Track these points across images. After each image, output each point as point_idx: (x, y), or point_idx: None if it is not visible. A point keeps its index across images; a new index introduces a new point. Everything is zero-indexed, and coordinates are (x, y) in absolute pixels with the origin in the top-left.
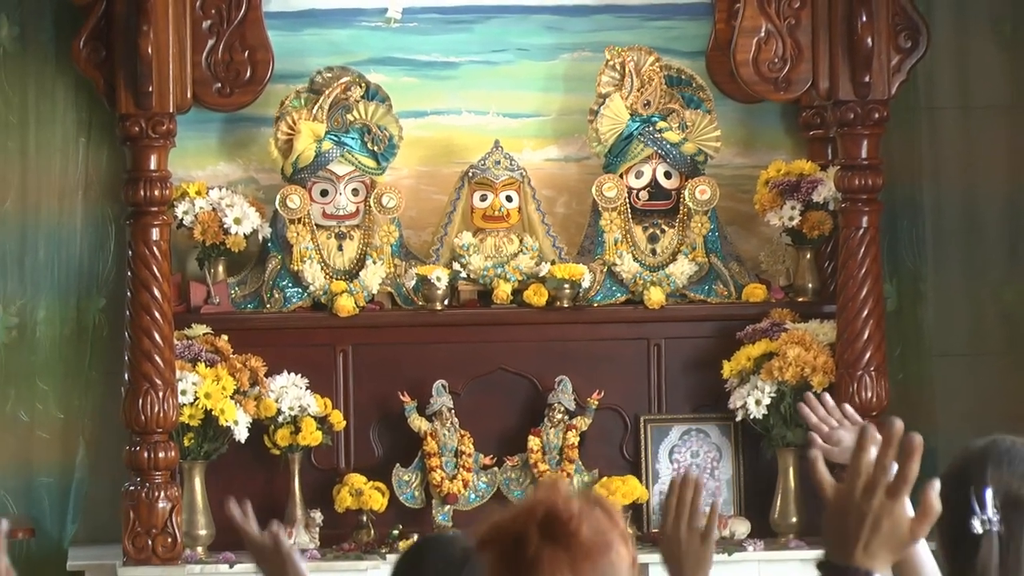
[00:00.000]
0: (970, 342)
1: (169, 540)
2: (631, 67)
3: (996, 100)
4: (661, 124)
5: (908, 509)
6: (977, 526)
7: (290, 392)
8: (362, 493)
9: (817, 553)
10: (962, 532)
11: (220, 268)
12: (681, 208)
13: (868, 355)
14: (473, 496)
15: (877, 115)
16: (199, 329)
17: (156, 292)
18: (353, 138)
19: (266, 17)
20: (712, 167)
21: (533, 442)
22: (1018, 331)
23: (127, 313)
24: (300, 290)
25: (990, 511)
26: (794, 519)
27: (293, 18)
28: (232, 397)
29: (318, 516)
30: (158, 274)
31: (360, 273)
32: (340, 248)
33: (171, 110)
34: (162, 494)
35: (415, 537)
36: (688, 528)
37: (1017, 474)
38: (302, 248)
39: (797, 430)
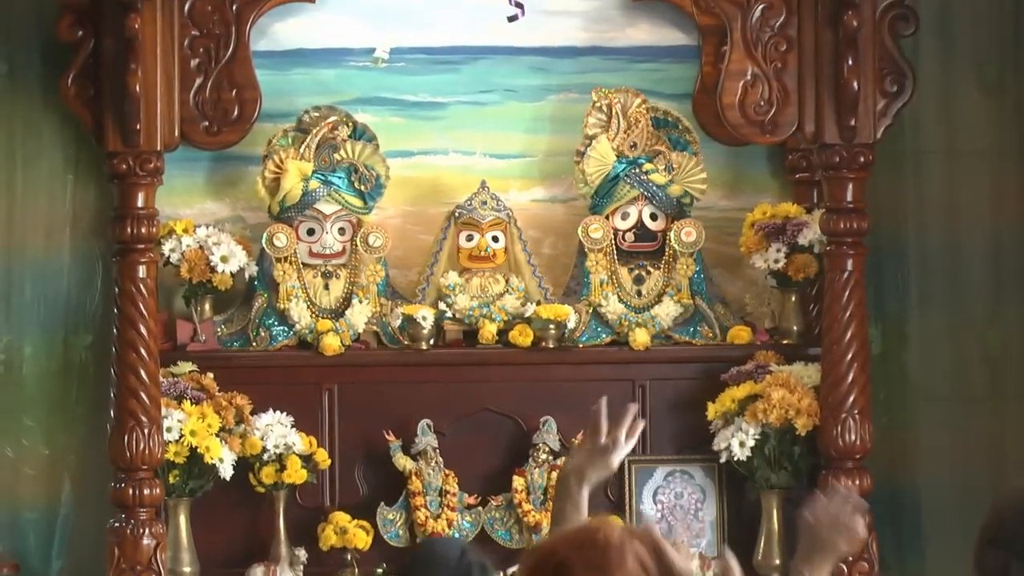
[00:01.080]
0: (954, 386)
1: None
2: (618, 109)
3: (981, 145)
4: (647, 166)
5: None
6: None
7: (275, 430)
8: (347, 531)
9: None
10: None
11: (207, 306)
12: (667, 250)
13: (852, 398)
14: (457, 535)
15: (863, 159)
16: (185, 367)
17: (143, 329)
18: (340, 177)
19: (254, 56)
20: (698, 209)
21: (518, 482)
22: (1001, 375)
23: (113, 350)
24: (286, 328)
25: None
26: (778, 561)
27: (281, 57)
28: (218, 435)
29: (303, 554)
30: (144, 311)
31: (346, 312)
32: (326, 287)
33: (159, 148)
34: (147, 531)
35: None
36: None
37: None
38: (288, 287)
39: (782, 472)
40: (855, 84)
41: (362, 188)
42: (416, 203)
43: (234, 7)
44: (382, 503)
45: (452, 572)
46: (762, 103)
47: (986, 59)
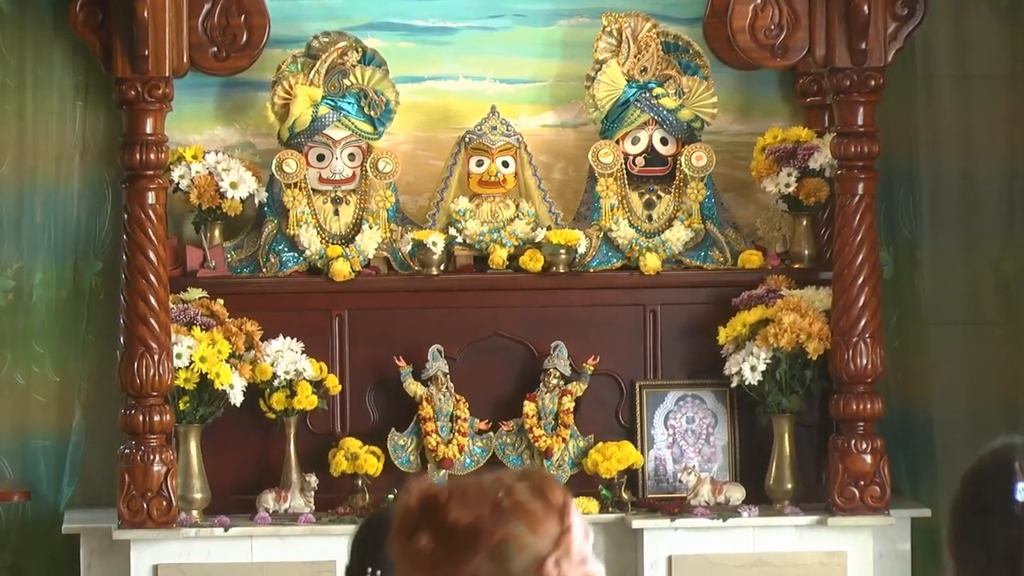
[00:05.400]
0: (966, 311)
1: (164, 503)
2: (628, 33)
3: (993, 69)
4: (658, 90)
5: None
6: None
7: (286, 356)
8: (357, 457)
9: (812, 519)
10: (995, 539)
11: (216, 232)
12: (677, 174)
13: (864, 322)
14: (468, 461)
15: (873, 83)
16: (195, 293)
17: (152, 256)
18: (350, 103)
19: None
20: (709, 134)
21: (529, 407)
22: (1015, 301)
23: (123, 276)
24: (296, 255)
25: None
26: (789, 485)
27: None
28: (228, 361)
29: (313, 480)
30: (154, 238)
31: (356, 238)
32: (336, 213)
33: (167, 74)
34: (157, 457)
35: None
36: None
37: None
38: (298, 212)
39: (793, 397)
40: (866, 8)
41: (372, 113)
42: (426, 128)
43: None
44: (393, 429)
45: None
46: (772, 27)
47: None
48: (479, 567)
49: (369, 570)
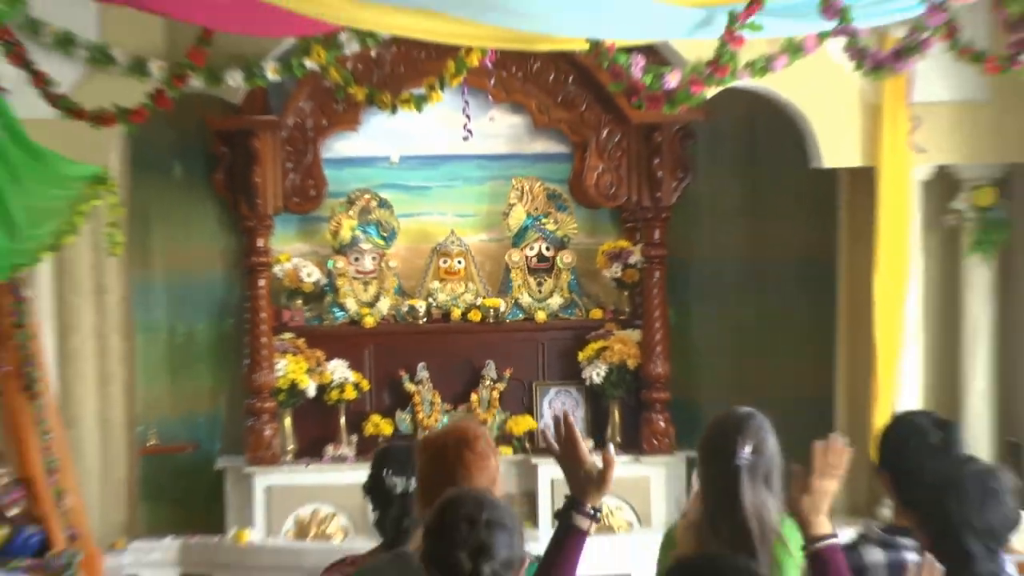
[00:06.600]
0: (716, 342)
1: (271, 453)
2: (527, 188)
3: (730, 207)
4: (544, 220)
5: (596, 463)
6: (738, 461)
7: (338, 370)
8: (379, 425)
9: (631, 458)
10: (726, 474)
11: (298, 301)
12: (555, 267)
13: (658, 349)
14: (439, 425)
15: (664, 215)
16: (287, 335)
17: (263, 314)
18: (372, 229)
19: (324, 162)
20: (573, 244)
21: (474, 398)
22: (744, 338)
23: (248, 327)
24: (343, 313)
25: (748, 453)
26: (619, 439)
27: (338, 161)
28: (306, 372)
29: (354, 439)
30: (263, 305)
31: (376, 303)
32: (365, 289)
33: (270, 213)
34: (267, 426)
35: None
36: (572, 444)
37: (760, 432)
38: (344, 290)
39: (620, 389)
40: (659, 174)
41: (384, 235)
42: (414, 242)
43: (311, 133)
44: (398, 409)
45: (405, 461)
46: (607, 185)
47: (737, 158)
48: (494, 462)
49: (385, 470)
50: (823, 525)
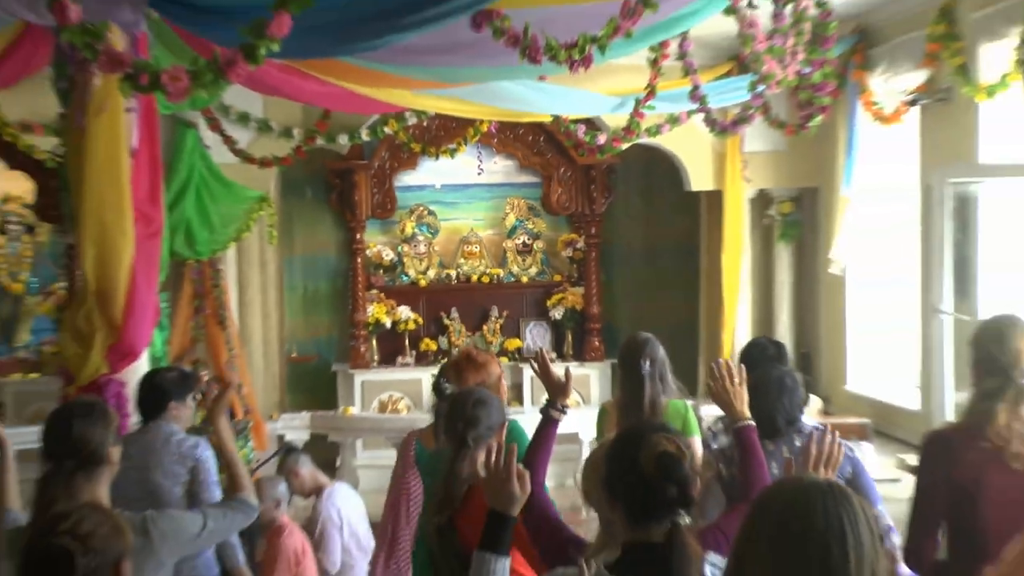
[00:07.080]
0: (638, 292)
1: (364, 360)
2: (516, 203)
3: (637, 214)
4: (526, 222)
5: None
6: (643, 371)
7: (404, 312)
8: (428, 344)
9: (578, 363)
10: (635, 375)
11: (380, 271)
12: (533, 250)
13: (595, 298)
14: (467, 341)
15: (598, 219)
16: (373, 291)
17: (359, 278)
18: (424, 227)
19: (395, 187)
20: (544, 236)
21: (485, 328)
22: (643, 290)
23: (350, 285)
24: (407, 277)
25: (648, 365)
26: (571, 352)
27: (404, 188)
28: (385, 313)
29: (413, 353)
30: (360, 272)
31: (427, 272)
32: (420, 264)
33: (363, 219)
34: (362, 345)
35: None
36: (546, 369)
37: (654, 349)
38: (407, 264)
39: (572, 323)
40: (594, 194)
41: (432, 231)
42: (450, 235)
43: (387, 171)
44: (439, 335)
45: (451, 374)
46: (565, 201)
47: (639, 186)
48: (495, 368)
49: (443, 380)
50: (743, 412)
